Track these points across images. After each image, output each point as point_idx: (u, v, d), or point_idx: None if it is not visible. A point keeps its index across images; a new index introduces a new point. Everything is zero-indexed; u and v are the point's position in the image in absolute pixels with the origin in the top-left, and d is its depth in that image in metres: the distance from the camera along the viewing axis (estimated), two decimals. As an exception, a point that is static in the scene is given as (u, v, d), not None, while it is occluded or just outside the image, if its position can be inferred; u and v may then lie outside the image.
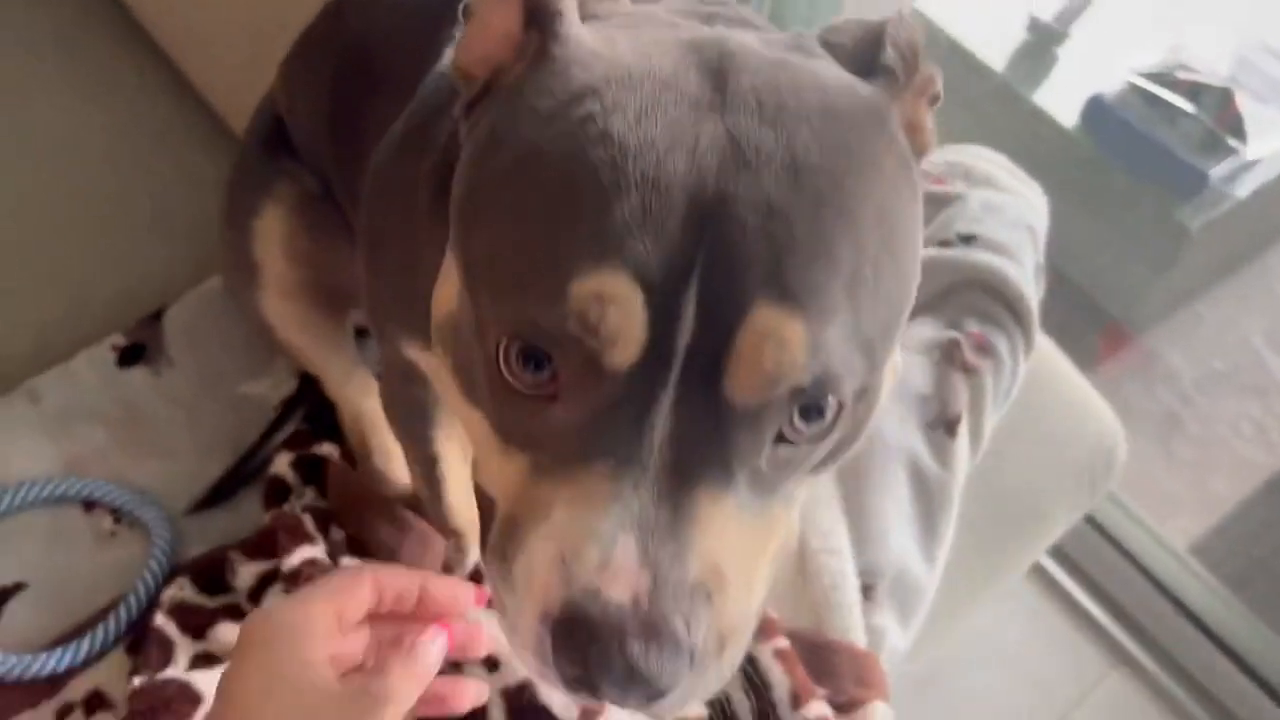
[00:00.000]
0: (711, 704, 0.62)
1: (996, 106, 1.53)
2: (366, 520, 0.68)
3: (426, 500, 0.69)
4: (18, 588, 0.68)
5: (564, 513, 0.36)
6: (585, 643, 0.34)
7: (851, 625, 0.66)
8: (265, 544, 0.67)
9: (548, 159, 0.36)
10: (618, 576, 0.34)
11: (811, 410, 0.37)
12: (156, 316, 0.81)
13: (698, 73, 0.37)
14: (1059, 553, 1.40)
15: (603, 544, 0.34)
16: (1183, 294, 1.58)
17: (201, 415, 0.77)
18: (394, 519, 0.69)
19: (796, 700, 0.61)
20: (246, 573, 0.66)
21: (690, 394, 0.35)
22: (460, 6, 0.43)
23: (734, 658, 0.38)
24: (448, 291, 0.42)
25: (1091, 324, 1.59)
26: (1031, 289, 0.83)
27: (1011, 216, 0.87)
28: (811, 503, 0.70)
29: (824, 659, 0.65)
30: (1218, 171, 1.38)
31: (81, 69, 1.00)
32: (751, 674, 0.62)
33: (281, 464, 0.72)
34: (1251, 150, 1.36)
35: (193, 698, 0.59)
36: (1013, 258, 0.84)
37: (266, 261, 0.70)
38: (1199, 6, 1.66)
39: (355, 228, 0.62)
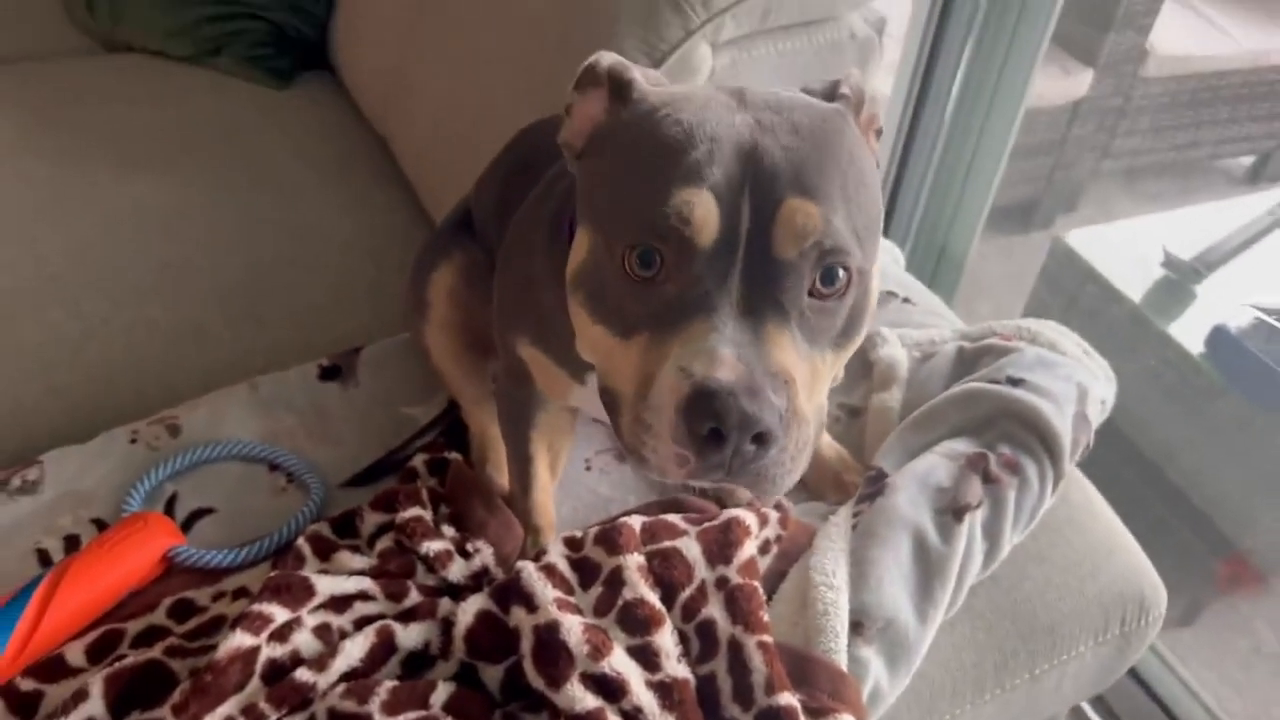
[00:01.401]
0: (699, 678, 0.74)
1: (1128, 329, 1.64)
2: (469, 501, 0.87)
3: (517, 497, 0.88)
4: (209, 510, 0.90)
5: (678, 351, 0.55)
6: (710, 406, 0.52)
7: (836, 649, 0.77)
8: (387, 500, 0.86)
9: (644, 140, 0.59)
10: (723, 367, 0.53)
11: (829, 275, 0.56)
12: (356, 351, 1.05)
13: (726, 94, 0.60)
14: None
15: (709, 353, 0.53)
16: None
17: (368, 422, 0.99)
18: (490, 505, 0.87)
19: (770, 688, 0.72)
20: (370, 521, 0.86)
21: (751, 260, 0.55)
22: (565, 107, 0.66)
23: (804, 442, 0.56)
24: (578, 254, 0.63)
25: (1213, 551, 1.59)
26: (1068, 430, 0.94)
27: (1063, 373, 0.99)
28: (823, 549, 0.83)
29: (805, 669, 0.75)
30: (1339, 407, 1.42)
31: (345, 181, 1.33)
32: (735, 658, 0.74)
33: (417, 460, 0.93)
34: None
35: (309, 588, 0.77)
36: (1055, 402, 0.95)
37: (434, 302, 0.93)
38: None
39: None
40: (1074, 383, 0.98)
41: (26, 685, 0.75)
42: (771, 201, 0.55)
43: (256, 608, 0.75)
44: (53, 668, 0.77)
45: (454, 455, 0.93)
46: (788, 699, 0.72)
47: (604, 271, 0.60)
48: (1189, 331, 1.58)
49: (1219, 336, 1.53)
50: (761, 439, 0.53)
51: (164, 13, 1.49)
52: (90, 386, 1.05)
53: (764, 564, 0.83)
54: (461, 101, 1.23)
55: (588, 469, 0.97)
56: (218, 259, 1.18)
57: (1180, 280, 1.66)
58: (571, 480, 0.96)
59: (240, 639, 0.73)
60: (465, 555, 0.83)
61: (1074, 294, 1.70)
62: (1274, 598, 1.64)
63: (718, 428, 0.52)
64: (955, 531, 0.85)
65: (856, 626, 0.80)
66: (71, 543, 0.86)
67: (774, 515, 0.86)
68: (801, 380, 0.56)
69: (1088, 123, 2.28)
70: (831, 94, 0.64)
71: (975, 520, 0.87)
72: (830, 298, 0.57)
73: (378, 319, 1.13)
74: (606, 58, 0.63)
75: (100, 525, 0.88)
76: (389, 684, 0.73)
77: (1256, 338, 1.50)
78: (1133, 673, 1.42)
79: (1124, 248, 1.73)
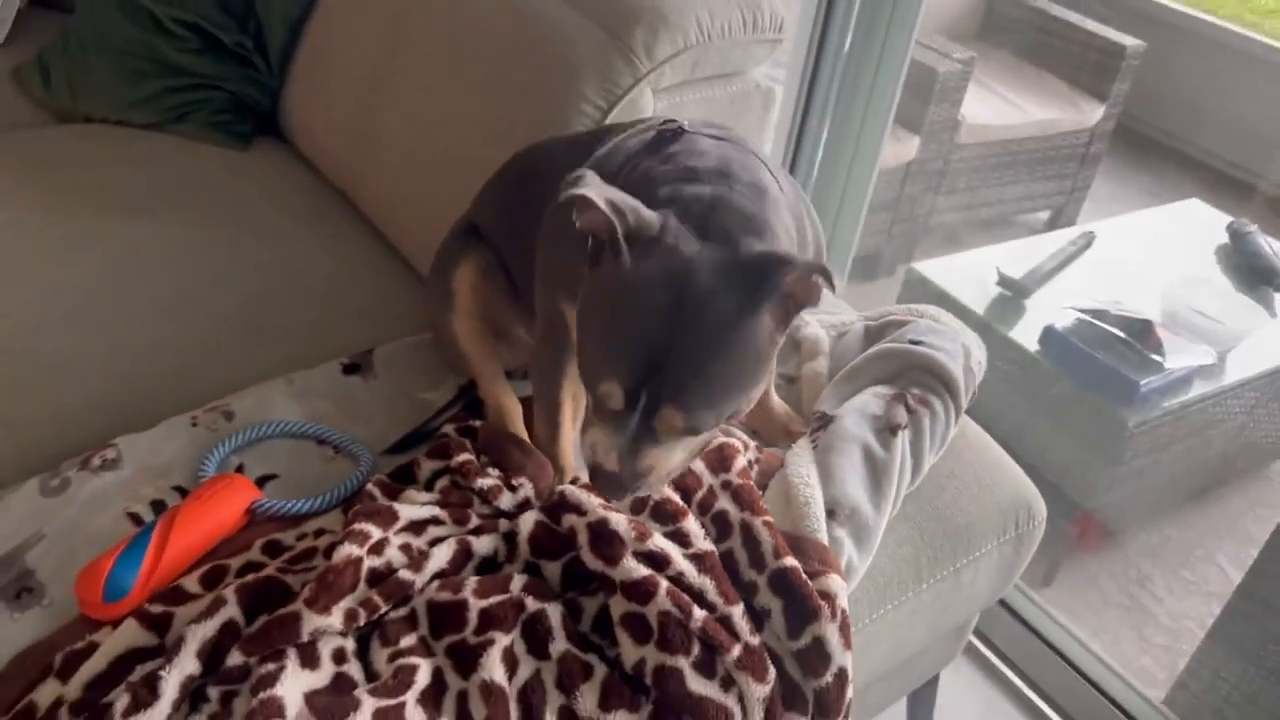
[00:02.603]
0: (720, 555, 0.94)
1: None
2: (505, 448, 1.04)
3: (545, 441, 1.06)
4: (273, 476, 1.04)
5: (598, 433, 0.79)
6: (599, 475, 0.79)
7: (818, 530, 0.98)
8: (440, 450, 1.03)
9: (603, 323, 0.79)
10: (609, 460, 0.78)
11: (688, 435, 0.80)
12: (369, 351, 1.22)
13: (666, 291, 0.75)
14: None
15: (607, 449, 0.78)
16: (1137, 488, 1.89)
17: (393, 405, 1.15)
18: (524, 449, 1.05)
19: (777, 554, 0.93)
20: (427, 468, 1.02)
21: (643, 418, 0.77)
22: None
23: (661, 480, 0.82)
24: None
25: (1066, 516, 1.90)
26: (961, 376, 1.19)
27: (948, 336, 1.25)
28: (795, 461, 1.05)
29: (798, 545, 0.96)
30: (1147, 382, 1.76)
31: (318, 225, 1.49)
32: (746, 535, 0.94)
33: (448, 428, 1.09)
34: (1169, 364, 1.75)
35: (394, 514, 0.93)
36: (949, 356, 1.21)
37: (458, 292, 1.11)
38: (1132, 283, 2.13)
39: (535, 255, 1.03)
40: (959, 344, 1.25)
41: (155, 609, 0.87)
42: (658, 400, 0.76)
43: (357, 526, 0.90)
44: (175, 595, 0.89)
45: (479, 422, 1.10)
46: (791, 561, 0.93)
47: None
48: (1025, 334, 1.91)
49: (1049, 335, 1.86)
50: (621, 496, 0.81)
51: (126, 85, 1.62)
52: (122, 393, 1.15)
53: (751, 477, 1.04)
54: (428, 152, 1.42)
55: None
56: (219, 289, 1.32)
57: (1013, 296, 2.00)
58: (575, 445, 1.14)
59: (349, 548, 0.88)
60: (511, 489, 1.00)
61: (930, 312, 2.01)
62: (1116, 553, 1.96)
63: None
64: (893, 443, 1.08)
65: (830, 513, 1.01)
66: (158, 506, 0.98)
67: (751, 444, 1.08)
68: (660, 466, 0.80)
69: (918, 183, 2.66)
70: (773, 274, 0.75)
71: (904, 439, 1.10)
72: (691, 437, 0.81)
73: (369, 334, 1.28)
74: (592, 187, 0.76)
75: (182, 491, 1.00)
76: (474, 578, 0.90)
77: (1078, 333, 1.84)
78: (1015, 614, 1.69)
79: (966, 272, 2.06)
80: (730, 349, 0.75)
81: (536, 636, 0.87)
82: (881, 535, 1.05)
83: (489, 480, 1.00)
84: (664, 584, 0.88)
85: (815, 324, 1.32)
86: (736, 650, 0.87)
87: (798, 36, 1.76)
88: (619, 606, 0.89)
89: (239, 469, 1.04)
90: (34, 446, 1.09)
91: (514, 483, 1.01)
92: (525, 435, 1.09)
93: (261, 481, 1.03)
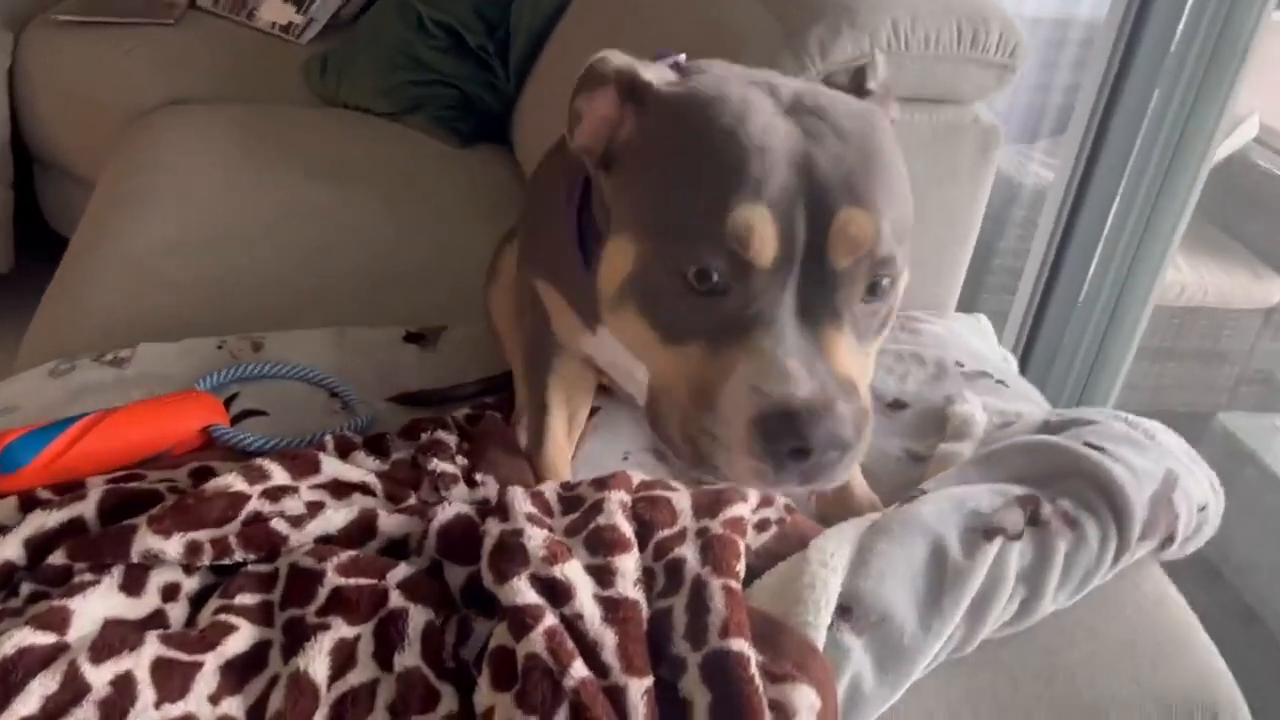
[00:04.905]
0: (657, 612, 0.70)
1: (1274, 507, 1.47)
2: (488, 443, 0.88)
3: (530, 446, 0.89)
4: (262, 412, 0.95)
5: (745, 366, 0.56)
6: (794, 424, 0.53)
7: (813, 624, 0.70)
8: (412, 430, 0.90)
9: (689, 148, 0.59)
10: (800, 385, 0.54)
11: (875, 287, 0.58)
12: (443, 328, 1.12)
13: (759, 91, 0.61)
14: None
15: (780, 371, 0.54)
16: None
17: (432, 379, 1.03)
18: (509, 450, 0.88)
19: (725, 631, 0.67)
20: (398, 444, 0.88)
21: (808, 272, 0.57)
22: (572, 111, 0.66)
23: (867, 437, 0.58)
24: (621, 265, 0.62)
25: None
26: (1143, 502, 0.85)
27: (1152, 455, 0.90)
28: (827, 536, 0.78)
29: (774, 636, 0.69)
30: None
31: (495, 222, 1.43)
32: (696, 596, 0.70)
33: (458, 413, 0.95)
34: None
35: (315, 464, 0.80)
36: (1134, 474, 0.86)
37: (503, 270, 1.00)
38: None
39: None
40: (1163, 466, 0.90)
41: (44, 494, 0.80)
42: (827, 212, 0.56)
43: (259, 463, 0.78)
44: (73, 488, 0.81)
45: (494, 414, 0.95)
46: (740, 645, 0.66)
47: (654, 280, 0.60)
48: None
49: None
50: (843, 447, 0.54)
51: (378, 75, 1.72)
52: (207, 315, 1.13)
53: (760, 540, 0.78)
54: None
55: (625, 459, 0.96)
56: (353, 251, 1.30)
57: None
58: (606, 469, 0.95)
59: (232, 479, 0.76)
60: (470, 484, 0.84)
61: (1228, 477, 1.54)
62: None
63: (800, 445, 0.54)
64: (981, 549, 0.77)
65: (845, 611, 0.73)
66: (135, 411, 0.93)
67: (781, 500, 0.82)
68: (859, 377, 0.57)
69: (1281, 336, 2.13)
70: (859, 87, 0.65)
71: (1011, 553, 0.79)
72: (877, 299, 0.59)
73: (467, 309, 1.18)
74: (616, 57, 0.64)
75: (163, 402, 0.94)
76: (351, 552, 0.73)
77: None
78: None
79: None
80: (871, 139, 0.60)
81: (387, 641, 0.69)
82: (927, 666, 0.75)
83: (447, 466, 0.84)
84: (547, 620, 0.66)
85: (977, 404, 1.02)
86: (617, 739, 0.63)
87: (1074, 126, 1.45)
88: (498, 637, 0.68)
89: (233, 396, 0.96)
90: (103, 339, 1.09)
91: (478, 478, 0.84)
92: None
93: (246, 415, 0.95)
